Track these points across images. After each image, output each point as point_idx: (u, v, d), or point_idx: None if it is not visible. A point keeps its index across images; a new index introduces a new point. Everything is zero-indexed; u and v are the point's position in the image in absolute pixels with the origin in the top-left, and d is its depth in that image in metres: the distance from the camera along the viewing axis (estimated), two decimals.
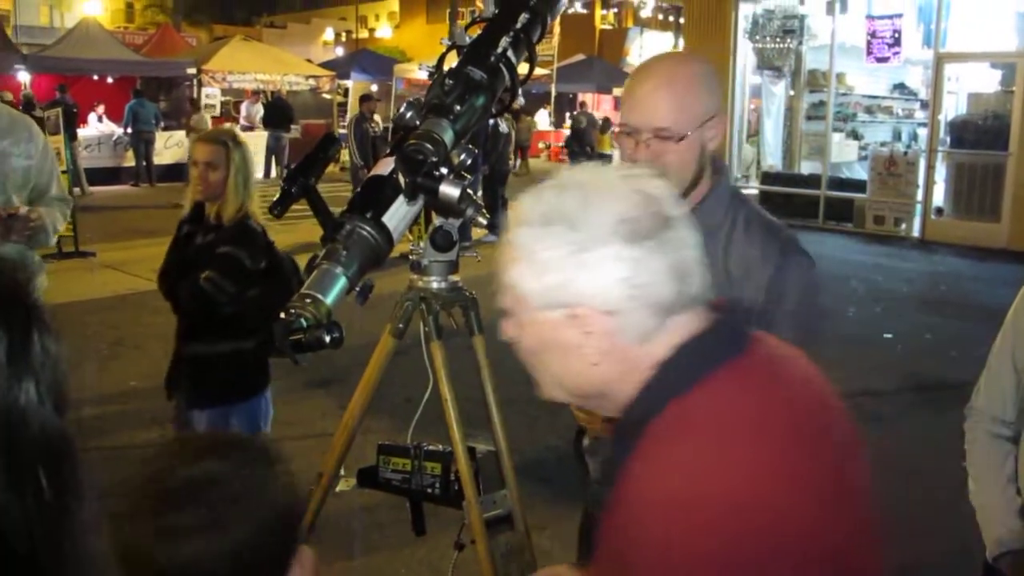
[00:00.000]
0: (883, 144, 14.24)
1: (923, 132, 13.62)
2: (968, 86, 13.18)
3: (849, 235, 12.71)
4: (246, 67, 20.04)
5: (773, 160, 14.78)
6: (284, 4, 51.28)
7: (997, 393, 1.97)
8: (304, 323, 1.71)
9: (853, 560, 1.04)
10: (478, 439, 2.35)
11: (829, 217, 13.24)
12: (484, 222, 1.93)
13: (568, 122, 24.99)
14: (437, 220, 2.17)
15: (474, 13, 2.49)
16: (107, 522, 1.07)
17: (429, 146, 1.86)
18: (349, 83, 23.34)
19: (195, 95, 18.93)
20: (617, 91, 22.29)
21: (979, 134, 12.02)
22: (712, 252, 1.86)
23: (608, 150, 17.59)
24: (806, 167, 14.35)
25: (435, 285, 2.27)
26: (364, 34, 47.06)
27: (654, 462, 1.02)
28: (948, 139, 12.48)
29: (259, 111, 19.64)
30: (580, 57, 27.38)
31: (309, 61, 24.46)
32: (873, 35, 12.88)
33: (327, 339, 1.71)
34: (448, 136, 1.93)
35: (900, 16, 12.72)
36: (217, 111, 20.07)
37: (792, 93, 14.57)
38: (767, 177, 14.30)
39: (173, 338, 3.37)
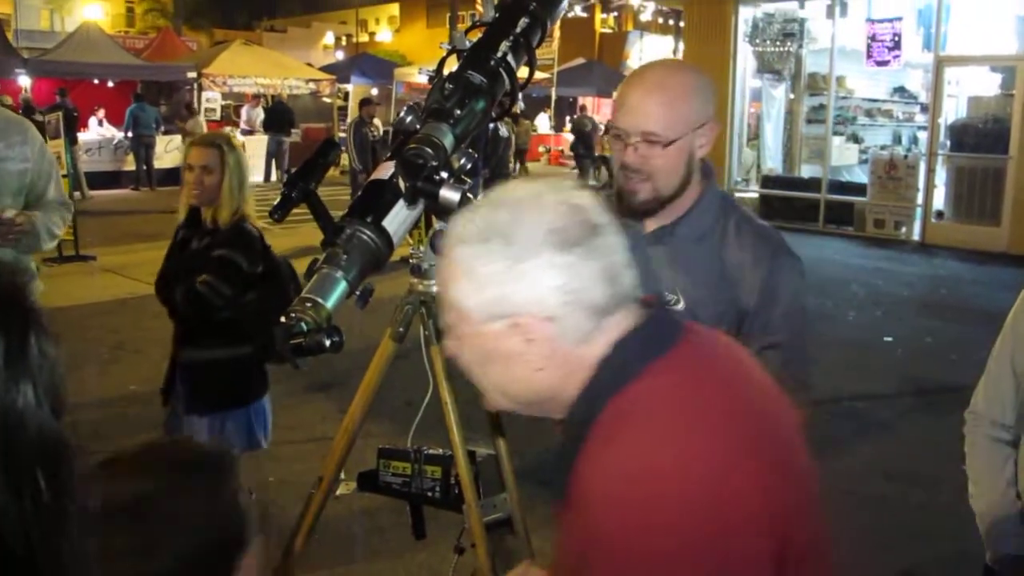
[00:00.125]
0: (883, 148, 14.26)
1: (923, 135, 13.63)
2: (968, 89, 13.21)
3: (849, 239, 12.72)
4: (246, 71, 20.05)
5: (773, 164, 14.78)
6: (284, 8, 51.28)
7: (996, 397, 1.97)
8: (304, 327, 1.71)
9: (802, 535, 1.09)
10: (478, 443, 2.35)
11: (829, 221, 13.25)
12: None
13: (568, 126, 25.03)
14: (437, 224, 2.17)
15: (474, 17, 2.49)
16: None
17: (429, 150, 1.87)
18: (349, 87, 23.38)
19: (193, 99, 18.95)
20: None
21: (979, 138, 12.03)
22: (704, 257, 1.90)
23: (610, 154, 17.56)
24: (806, 171, 14.35)
25: (435, 289, 2.27)
26: (364, 38, 47.13)
27: (600, 460, 1.06)
28: (948, 143, 12.49)
29: (260, 115, 19.68)
30: (580, 61, 27.40)
31: (309, 65, 24.46)
32: (873, 38, 12.88)
33: (327, 343, 1.71)
34: (448, 140, 1.94)
35: (900, 19, 12.72)
36: (218, 115, 20.11)
37: (792, 97, 14.57)
38: (767, 181, 14.30)
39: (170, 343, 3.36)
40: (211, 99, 19.89)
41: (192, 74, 19.11)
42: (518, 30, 2.17)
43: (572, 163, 20.96)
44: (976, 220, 11.94)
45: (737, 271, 1.86)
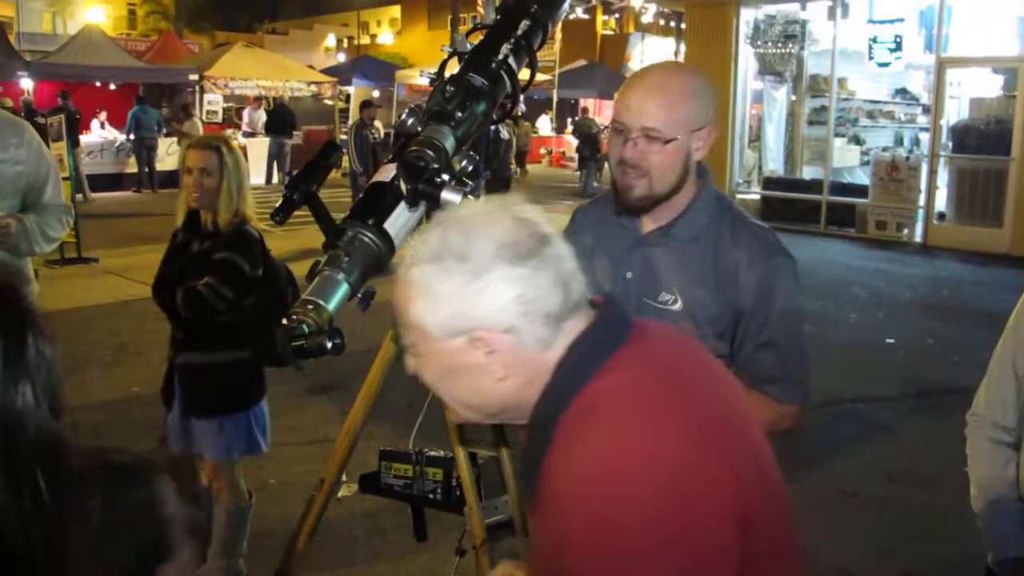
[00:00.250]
0: (885, 149, 14.24)
1: (925, 137, 13.61)
2: (970, 91, 13.20)
3: (851, 240, 12.70)
4: (248, 73, 20.07)
5: (775, 165, 14.76)
6: (286, 10, 51.36)
7: (998, 399, 1.97)
8: (306, 329, 1.71)
9: (768, 524, 1.13)
10: (480, 444, 2.35)
11: (831, 222, 13.23)
12: None
13: (570, 128, 25.03)
14: None
15: (475, 19, 2.49)
16: None
17: (431, 153, 1.87)
18: (351, 89, 23.39)
19: (192, 102, 18.96)
20: None
21: (981, 139, 12.01)
22: (700, 258, 1.91)
23: None
24: (808, 172, 14.33)
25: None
26: (366, 40, 47.24)
27: (566, 461, 1.09)
28: (950, 144, 12.47)
29: (261, 117, 19.69)
30: (582, 63, 27.43)
31: (311, 67, 24.48)
32: (875, 40, 12.88)
33: (329, 345, 1.72)
34: (449, 143, 1.94)
35: (902, 21, 12.73)
36: (219, 117, 20.13)
37: (794, 98, 14.55)
38: (769, 182, 14.29)
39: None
40: (213, 101, 19.91)
41: (194, 76, 19.14)
42: (519, 32, 2.17)
43: (574, 165, 20.96)
44: (978, 222, 11.93)
45: (733, 271, 1.88)
